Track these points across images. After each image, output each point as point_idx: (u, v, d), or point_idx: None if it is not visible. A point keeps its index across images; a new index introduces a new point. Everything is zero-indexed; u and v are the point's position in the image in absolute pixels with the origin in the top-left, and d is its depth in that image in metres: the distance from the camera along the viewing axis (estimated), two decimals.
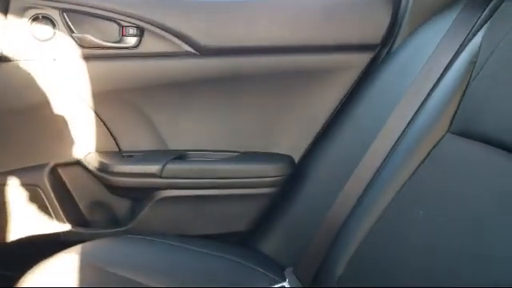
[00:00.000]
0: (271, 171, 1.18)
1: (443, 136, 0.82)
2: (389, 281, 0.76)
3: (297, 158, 1.22)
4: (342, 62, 1.17)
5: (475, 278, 0.62)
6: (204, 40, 1.12)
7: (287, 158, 1.21)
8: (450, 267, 0.67)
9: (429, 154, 0.82)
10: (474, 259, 0.64)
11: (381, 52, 1.15)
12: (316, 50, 1.16)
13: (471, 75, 0.83)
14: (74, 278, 0.86)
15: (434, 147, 0.82)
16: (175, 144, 1.23)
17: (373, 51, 1.15)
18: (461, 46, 0.90)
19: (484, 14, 0.91)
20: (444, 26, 0.96)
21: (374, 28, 1.14)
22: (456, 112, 0.83)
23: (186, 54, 1.13)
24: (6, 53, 1.07)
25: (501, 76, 0.77)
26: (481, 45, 0.85)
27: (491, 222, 0.65)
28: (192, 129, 1.23)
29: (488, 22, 0.88)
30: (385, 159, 0.91)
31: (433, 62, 0.93)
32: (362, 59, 1.16)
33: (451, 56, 0.91)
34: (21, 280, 0.86)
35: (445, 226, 0.72)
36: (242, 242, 1.21)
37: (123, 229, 1.18)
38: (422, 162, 0.82)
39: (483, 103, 0.78)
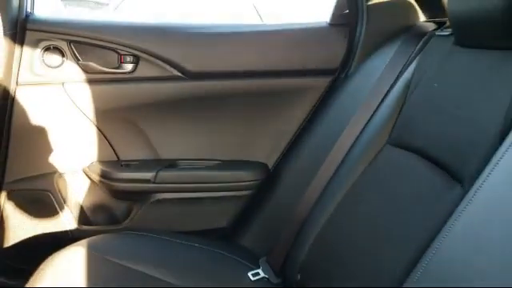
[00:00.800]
0: (248, 176, 1.25)
1: (383, 146, 0.93)
2: (340, 262, 0.86)
3: (270, 164, 1.30)
4: (307, 84, 1.25)
5: (399, 253, 0.72)
6: (191, 66, 1.19)
7: (262, 165, 1.28)
8: (385, 250, 0.76)
9: (372, 161, 0.93)
10: (403, 242, 0.73)
11: (339, 76, 1.23)
12: (285, 74, 1.24)
13: (406, 97, 0.94)
14: (82, 266, 0.91)
15: (376, 156, 0.93)
16: (166, 154, 1.28)
17: (332, 75, 1.24)
18: (399, 73, 1.02)
19: (417, 47, 1.02)
20: (387, 56, 1.08)
21: (333, 56, 1.23)
22: (393, 127, 0.94)
23: (176, 78, 1.19)
24: (23, 78, 1.14)
25: (424, 99, 0.89)
26: (414, 72, 0.97)
27: (412, 214, 0.76)
28: (181, 141, 1.28)
29: (420, 54, 1.00)
30: (339, 165, 1.01)
31: (378, 86, 1.04)
32: (323, 82, 1.24)
33: (392, 81, 1.02)
34: (39, 268, 0.91)
35: (381, 216, 0.82)
36: (224, 236, 1.27)
37: (122, 226, 1.23)
38: (367, 167, 0.93)
39: (411, 120, 0.90)
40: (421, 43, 1.03)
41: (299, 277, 0.95)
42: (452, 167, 0.74)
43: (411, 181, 0.81)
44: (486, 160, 0.63)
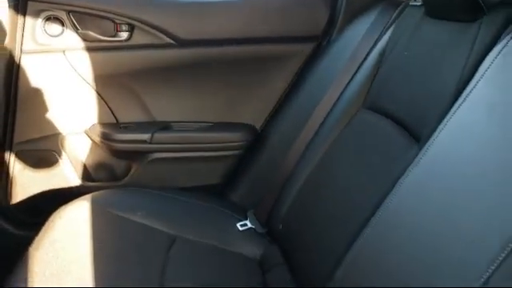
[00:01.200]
0: (237, 137, 1.29)
1: (358, 110, 0.98)
2: (315, 212, 0.92)
3: (258, 126, 1.35)
4: (291, 50, 1.28)
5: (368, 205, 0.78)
6: (182, 34, 1.22)
7: (250, 127, 1.33)
8: (354, 200, 0.83)
9: (348, 123, 0.98)
10: (368, 195, 0.79)
11: (321, 42, 1.27)
12: (271, 40, 1.27)
13: (380, 63, 0.99)
14: (86, 218, 0.97)
15: (352, 118, 0.98)
16: (161, 117, 1.32)
17: (315, 41, 1.27)
18: (376, 40, 1.06)
19: (392, 17, 1.07)
20: (366, 24, 1.12)
21: (316, 23, 1.26)
22: (368, 92, 0.99)
23: (168, 45, 1.22)
24: (26, 46, 1.17)
25: (395, 66, 0.94)
26: (388, 41, 1.01)
27: (378, 170, 0.82)
28: (174, 104, 1.32)
29: (394, 24, 1.04)
30: (320, 126, 1.06)
31: (357, 52, 1.09)
32: (306, 48, 1.28)
33: (369, 48, 1.06)
34: (49, 220, 0.97)
35: (352, 173, 0.89)
36: (215, 192, 1.33)
37: (122, 183, 1.30)
38: (344, 128, 0.98)
39: (383, 86, 0.95)
40: (396, 12, 1.07)
41: (281, 226, 1.02)
42: (413, 128, 0.81)
43: (380, 141, 0.87)
44: (441, 119, 0.69)
